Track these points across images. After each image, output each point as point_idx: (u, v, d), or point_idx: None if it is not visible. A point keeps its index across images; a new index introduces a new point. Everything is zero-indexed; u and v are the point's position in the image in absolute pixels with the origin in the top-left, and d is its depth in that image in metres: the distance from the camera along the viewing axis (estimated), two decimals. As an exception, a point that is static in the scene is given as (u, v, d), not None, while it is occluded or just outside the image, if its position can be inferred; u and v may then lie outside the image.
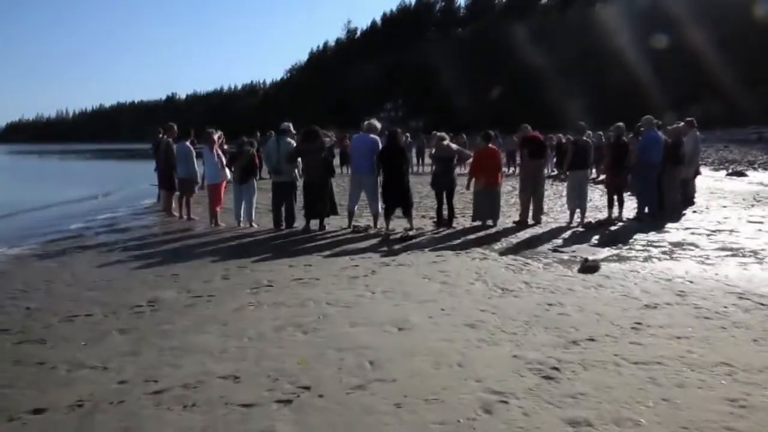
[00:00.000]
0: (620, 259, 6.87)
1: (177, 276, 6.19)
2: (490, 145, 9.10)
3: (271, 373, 3.55)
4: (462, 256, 7.03)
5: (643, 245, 7.62)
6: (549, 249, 7.44)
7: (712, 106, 46.20)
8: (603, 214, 10.18)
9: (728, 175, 20.37)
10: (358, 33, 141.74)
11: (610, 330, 4.28)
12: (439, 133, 9.03)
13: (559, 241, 8.00)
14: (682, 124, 11.25)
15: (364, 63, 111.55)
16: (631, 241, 7.94)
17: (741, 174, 20.54)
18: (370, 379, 3.46)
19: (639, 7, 66.82)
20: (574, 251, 7.25)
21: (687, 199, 11.56)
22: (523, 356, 3.76)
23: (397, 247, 7.66)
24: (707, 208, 11.19)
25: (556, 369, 3.55)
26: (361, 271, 6.28)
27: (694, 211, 10.79)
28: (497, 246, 7.69)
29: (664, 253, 7.17)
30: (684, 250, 7.32)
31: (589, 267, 6.25)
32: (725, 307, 4.88)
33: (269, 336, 4.25)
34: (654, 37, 55.13)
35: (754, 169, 22.77)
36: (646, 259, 6.81)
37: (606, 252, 7.24)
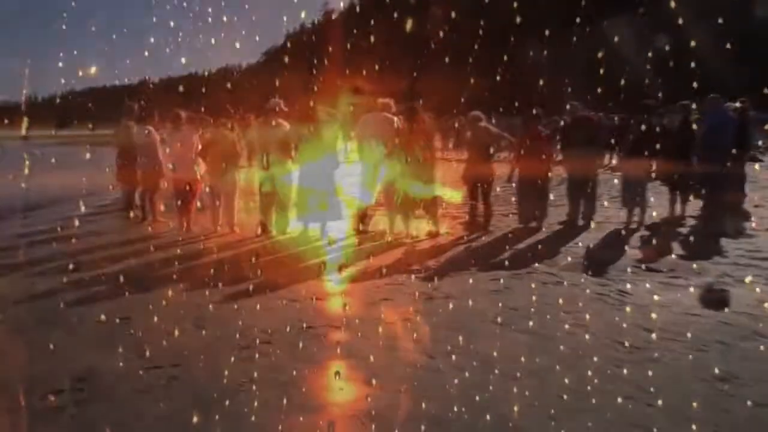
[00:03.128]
0: (735, 281, 5.09)
1: (128, 321, 4.20)
2: (539, 127, 7.18)
3: None
4: (526, 280, 5.14)
5: (742, 256, 5.89)
6: (633, 264, 5.61)
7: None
8: (659, 212, 8.44)
9: (742, 160, 18.92)
10: (335, 14, 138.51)
11: None
12: (473, 113, 7.06)
13: (635, 252, 6.18)
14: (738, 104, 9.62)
15: (342, 44, 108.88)
16: (723, 250, 6.19)
17: (756, 159, 19.17)
18: None
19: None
20: (672, 270, 5.42)
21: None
22: None
23: (430, 263, 5.76)
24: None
25: None
26: (398, 310, 4.36)
27: (756, 206, 9.15)
28: (562, 260, 5.83)
29: (781, 269, 5.45)
30: (802, 264, 5.61)
31: (715, 301, 4.46)
32: None
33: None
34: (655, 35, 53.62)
35: (761, 153, 21.46)
36: (768, 281, 5.07)
37: (710, 269, 5.45)
